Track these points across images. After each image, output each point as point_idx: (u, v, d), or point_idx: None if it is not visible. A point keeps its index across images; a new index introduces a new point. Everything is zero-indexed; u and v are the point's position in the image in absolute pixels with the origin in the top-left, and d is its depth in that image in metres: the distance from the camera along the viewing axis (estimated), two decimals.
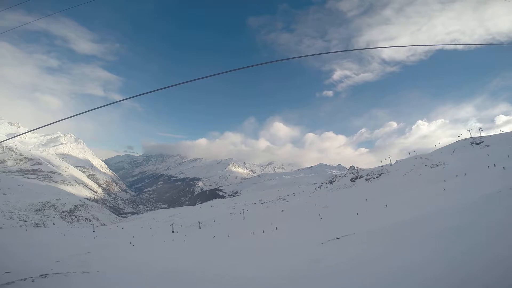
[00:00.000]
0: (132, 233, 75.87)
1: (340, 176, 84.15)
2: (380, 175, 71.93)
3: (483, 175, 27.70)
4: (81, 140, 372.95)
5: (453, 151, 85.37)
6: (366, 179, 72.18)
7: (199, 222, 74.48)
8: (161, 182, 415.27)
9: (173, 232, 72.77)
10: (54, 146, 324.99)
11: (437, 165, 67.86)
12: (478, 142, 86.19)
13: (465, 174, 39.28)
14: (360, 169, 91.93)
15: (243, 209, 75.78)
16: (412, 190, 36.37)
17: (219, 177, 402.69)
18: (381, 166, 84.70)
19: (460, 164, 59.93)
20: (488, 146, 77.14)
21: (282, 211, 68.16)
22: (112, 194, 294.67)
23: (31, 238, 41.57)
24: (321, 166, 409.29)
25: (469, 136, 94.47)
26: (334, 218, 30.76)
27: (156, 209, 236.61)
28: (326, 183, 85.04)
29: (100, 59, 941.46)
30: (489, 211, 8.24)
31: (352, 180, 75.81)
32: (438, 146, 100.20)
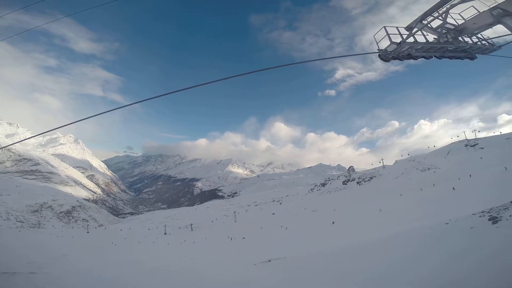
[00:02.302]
0: (126, 235, 76.37)
1: (333, 179, 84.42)
2: (371, 178, 72.17)
3: (467, 186, 27.53)
4: (80, 141, 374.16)
5: (448, 153, 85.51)
6: (357, 182, 72.44)
7: (191, 224, 74.92)
8: (160, 183, 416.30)
9: (165, 234, 73.22)
10: (53, 146, 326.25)
11: (428, 169, 68.18)
12: (472, 144, 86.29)
13: (459, 178, 39.29)
14: (354, 172, 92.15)
15: (235, 212, 76.20)
16: (394, 199, 36.71)
17: (218, 178, 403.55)
18: (374, 169, 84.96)
19: (452, 168, 60.24)
20: (482, 148, 77.30)
21: (273, 214, 68.58)
22: (111, 195, 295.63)
23: (20, 239, 42.35)
24: (320, 166, 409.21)
25: (464, 138, 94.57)
26: (306, 227, 31.00)
27: (155, 210, 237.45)
28: (319, 185, 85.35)
29: (99, 58, 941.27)
30: (438, 245, 7.51)
31: (344, 183, 76.07)
32: (435, 147, 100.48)
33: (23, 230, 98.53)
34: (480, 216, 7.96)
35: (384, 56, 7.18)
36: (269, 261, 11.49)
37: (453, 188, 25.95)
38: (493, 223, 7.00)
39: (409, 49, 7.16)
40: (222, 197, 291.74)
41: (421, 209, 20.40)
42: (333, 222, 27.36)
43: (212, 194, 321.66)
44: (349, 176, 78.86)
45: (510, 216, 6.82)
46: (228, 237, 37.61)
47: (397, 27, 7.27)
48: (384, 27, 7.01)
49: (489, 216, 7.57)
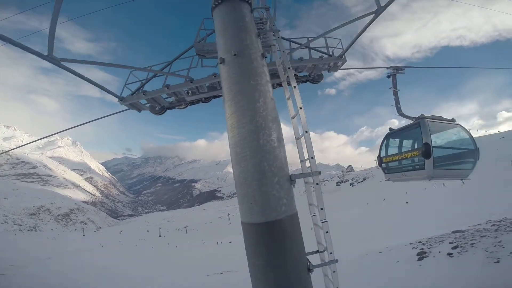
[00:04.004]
0: (121, 237, 76.82)
1: (327, 180, 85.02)
2: (364, 179, 72.76)
3: (437, 196, 27.88)
4: (78, 143, 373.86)
5: None
6: (350, 184, 73.03)
7: (185, 227, 75.39)
8: (159, 184, 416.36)
9: (160, 236, 73.67)
10: (51, 149, 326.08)
11: None
12: None
13: (441, 184, 40.13)
14: (352, 171, 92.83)
15: (228, 214, 76.71)
16: (375, 204, 37.44)
17: (217, 179, 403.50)
18: (368, 170, 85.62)
19: None
20: None
21: None
22: (110, 197, 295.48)
23: (10, 243, 43.19)
24: (319, 166, 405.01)
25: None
26: None
27: (154, 212, 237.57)
28: None
29: (96, 58, 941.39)
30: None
31: (338, 184, 76.66)
32: None
33: (20, 233, 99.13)
34: (413, 248, 8.17)
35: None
36: (221, 273, 12.06)
37: (406, 202, 27.07)
38: (418, 260, 7.17)
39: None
40: (221, 198, 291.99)
41: (379, 226, 21.06)
42: (312, 228, 27.83)
43: (212, 195, 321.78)
44: (343, 178, 79.51)
45: (439, 252, 7.00)
46: (217, 242, 38.14)
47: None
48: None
49: (420, 249, 7.77)
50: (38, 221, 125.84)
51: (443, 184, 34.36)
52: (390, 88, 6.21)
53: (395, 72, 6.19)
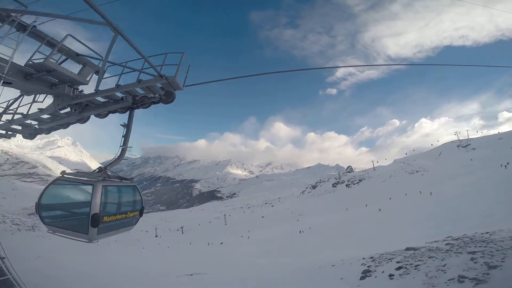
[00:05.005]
0: (117, 237, 77.04)
1: (323, 181, 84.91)
2: (360, 180, 72.69)
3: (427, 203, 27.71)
4: (78, 143, 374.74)
5: (439, 154, 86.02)
6: (346, 185, 72.95)
7: (182, 227, 75.54)
8: (159, 184, 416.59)
9: (156, 236, 73.81)
10: (51, 149, 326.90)
11: (417, 171, 68.60)
12: (464, 145, 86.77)
13: (435, 191, 40.06)
14: (349, 172, 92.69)
15: (225, 215, 76.74)
16: (357, 209, 37.51)
17: (217, 179, 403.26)
18: (364, 171, 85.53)
19: (441, 171, 60.68)
20: (474, 149, 77.81)
21: (263, 217, 69.17)
22: None
23: (3, 242, 43.52)
24: (319, 166, 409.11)
25: (457, 139, 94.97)
26: (276, 236, 32.19)
27: (153, 212, 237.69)
28: (310, 187, 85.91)
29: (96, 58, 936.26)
30: None
31: (334, 185, 76.58)
32: (432, 145, 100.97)
33: (17, 232, 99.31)
34: (362, 264, 8.09)
35: None
36: (191, 275, 12.26)
37: (378, 209, 26.74)
38: (361, 278, 7.08)
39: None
40: (221, 198, 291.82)
41: (347, 234, 21.13)
42: (301, 231, 27.94)
43: (211, 195, 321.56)
44: (339, 179, 79.39)
45: (383, 272, 6.85)
46: (208, 243, 38.26)
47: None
48: None
49: (367, 267, 7.67)
50: (37, 221, 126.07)
51: (430, 193, 34.26)
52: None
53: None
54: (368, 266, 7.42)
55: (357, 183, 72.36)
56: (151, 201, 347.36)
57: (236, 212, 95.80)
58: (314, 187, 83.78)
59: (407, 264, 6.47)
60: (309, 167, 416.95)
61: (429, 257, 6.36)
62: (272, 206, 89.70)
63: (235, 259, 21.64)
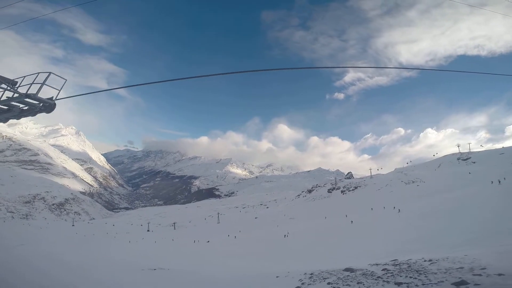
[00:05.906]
0: (110, 230, 77.05)
1: (319, 186, 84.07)
2: (356, 188, 71.74)
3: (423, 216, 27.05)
4: (81, 133, 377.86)
5: (439, 166, 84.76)
6: (342, 191, 72.06)
7: (174, 223, 75.29)
8: (158, 179, 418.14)
9: (148, 231, 73.69)
10: (54, 137, 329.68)
11: (413, 182, 67.45)
12: (465, 158, 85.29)
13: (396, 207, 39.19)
14: (343, 179, 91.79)
15: (218, 213, 76.32)
16: (335, 218, 36.99)
17: (217, 177, 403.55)
18: (361, 178, 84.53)
19: (437, 183, 59.59)
20: (474, 162, 76.50)
21: (256, 218, 68.59)
22: (108, 189, 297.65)
23: None
24: (320, 170, 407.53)
25: (458, 152, 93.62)
26: (259, 237, 31.87)
27: (150, 206, 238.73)
28: (305, 191, 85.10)
29: (106, 50, 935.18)
30: None
31: (329, 191, 75.73)
32: (434, 156, 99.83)
33: (10, 220, 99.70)
34: (299, 280, 7.59)
35: None
36: (155, 269, 12.85)
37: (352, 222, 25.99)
38: None
39: None
40: (219, 196, 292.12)
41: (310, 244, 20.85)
42: (286, 235, 27.39)
43: (209, 193, 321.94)
44: (335, 184, 78.51)
45: None
46: (194, 241, 37.85)
47: None
48: None
49: (301, 283, 7.16)
50: (32, 210, 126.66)
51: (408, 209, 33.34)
52: None
53: None
54: (302, 283, 6.88)
55: (352, 190, 71.42)
56: (149, 195, 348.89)
57: (231, 212, 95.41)
58: (310, 191, 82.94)
59: (334, 287, 5.93)
60: (309, 170, 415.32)
61: (358, 283, 5.79)
62: (267, 207, 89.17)
63: (209, 257, 21.26)
